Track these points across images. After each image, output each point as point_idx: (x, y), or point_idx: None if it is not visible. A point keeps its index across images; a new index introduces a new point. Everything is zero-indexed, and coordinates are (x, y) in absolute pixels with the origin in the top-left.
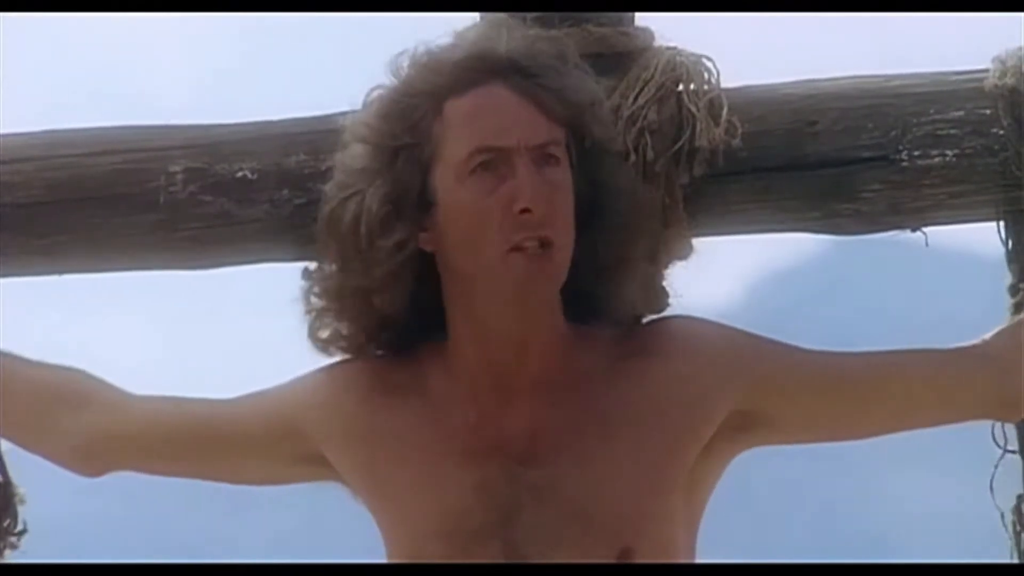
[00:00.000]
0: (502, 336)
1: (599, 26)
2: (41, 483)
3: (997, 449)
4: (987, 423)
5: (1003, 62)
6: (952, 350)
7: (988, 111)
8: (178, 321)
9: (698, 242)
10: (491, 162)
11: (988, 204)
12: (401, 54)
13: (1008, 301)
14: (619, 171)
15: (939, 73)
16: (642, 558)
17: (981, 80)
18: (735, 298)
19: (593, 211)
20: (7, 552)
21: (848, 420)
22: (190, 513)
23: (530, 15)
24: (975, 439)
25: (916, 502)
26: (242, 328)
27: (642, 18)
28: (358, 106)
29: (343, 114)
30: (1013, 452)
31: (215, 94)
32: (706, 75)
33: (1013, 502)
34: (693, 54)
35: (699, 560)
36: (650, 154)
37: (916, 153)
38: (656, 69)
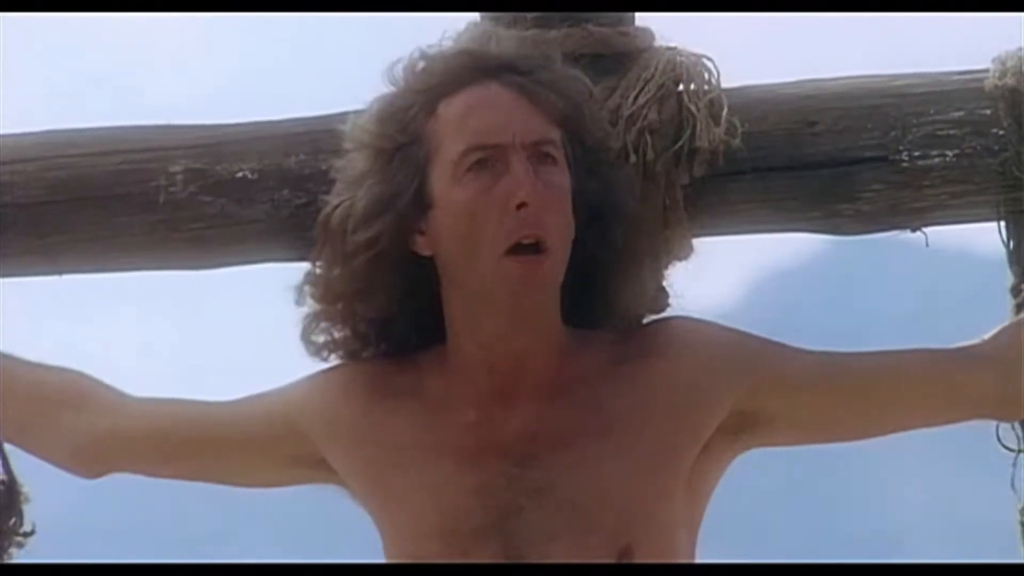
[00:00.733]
0: (500, 340)
1: (599, 26)
2: (46, 482)
3: (1001, 448)
4: (991, 422)
5: (1003, 62)
6: (953, 350)
7: (988, 111)
8: (178, 321)
9: (698, 242)
10: (486, 160)
11: (988, 204)
12: (396, 62)
13: (1009, 301)
14: (618, 170)
15: (939, 73)
16: (642, 557)
17: (981, 80)
18: (735, 298)
19: (593, 211)
20: (13, 551)
21: (849, 420)
22: (192, 513)
23: (530, 15)
24: (978, 439)
25: (918, 502)
26: (242, 328)
27: (642, 18)
28: (359, 106)
29: (343, 114)
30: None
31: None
32: (706, 75)
33: (1021, 503)
34: (693, 54)
35: (699, 560)
36: (650, 154)
37: (916, 153)
38: (656, 69)
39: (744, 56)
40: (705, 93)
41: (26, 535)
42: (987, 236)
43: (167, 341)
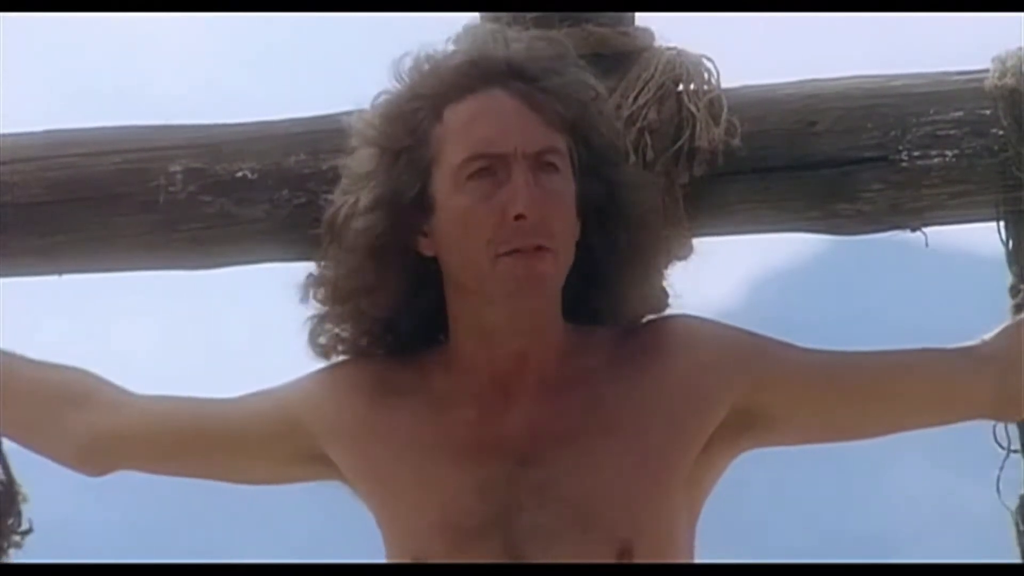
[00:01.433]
0: (501, 338)
1: (599, 26)
2: (44, 483)
3: (999, 449)
4: (989, 422)
5: (1003, 62)
6: (953, 350)
7: (988, 111)
8: (178, 321)
9: (698, 242)
10: (488, 168)
11: (988, 204)
12: (404, 57)
13: (1008, 301)
14: (625, 172)
15: (939, 73)
16: (642, 557)
17: (981, 80)
18: (735, 298)
19: (598, 212)
20: (11, 551)
21: (849, 420)
22: (192, 513)
23: (530, 15)
24: (977, 439)
25: (917, 502)
26: (242, 328)
27: (642, 18)
28: (359, 106)
29: (343, 114)
30: (1016, 452)
31: (215, 94)
32: (706, 75)
33: (1017, 502)
34: (693, 54)
35: (699, 560)
36: (650, 154)
37: (916, 153)
38: (656, 69)
39: (744, 56)
40: (705, 93)
41: (24, 534)
42: (987, 236)
43: (167, 340)
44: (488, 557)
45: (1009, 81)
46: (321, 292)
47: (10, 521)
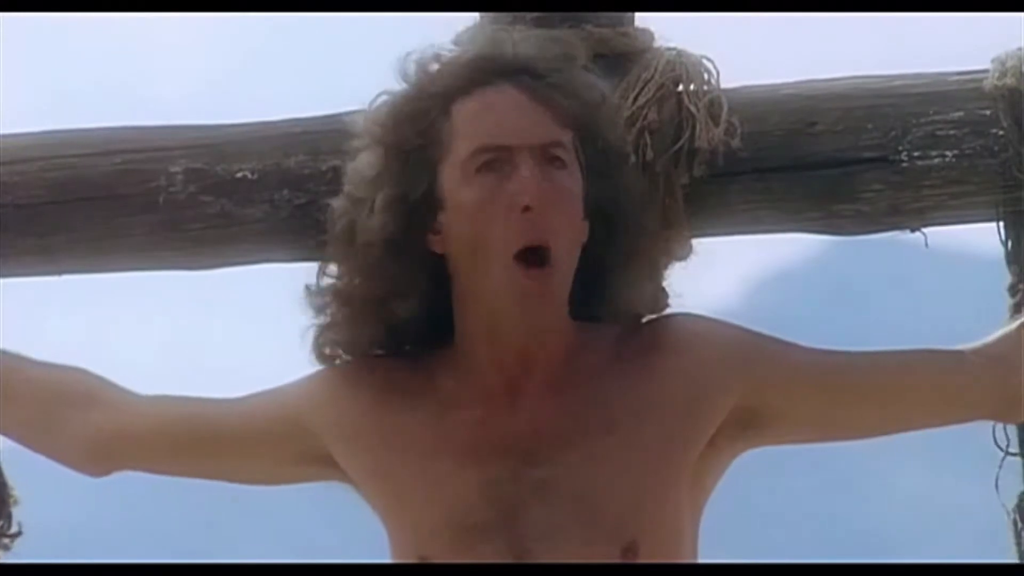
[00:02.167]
0: (508, 339)
1: (599, 27)
2: (37, 485)
3: (998, 449)
4: (989, 423)
5: (1003, 62)
6: (955, 351)
7: (988, 112)
8: (178, 321)
9: (698, 242)
10: (495, 161)
11: (988, 205)
12: (408, 56)
13: (1008, 301)
14: (630, 173)
15: (939, 73)
16: (646, 555)
17: (981, 80)
18: (735, 298)
19: (603, 214)
20: (1, 554)
21: (850, 419)
22: (192, 513)
23: (530, 15)
24: (977, 439)
25: (917, 502)
26: (242, 328)
27: (642, 18)
28: (359, 106)
29: (343, 114)
30: (1015, 455)
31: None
32: (706, 75)
33: (1015, 501)
34: (693, 54)
35: (701, 559)
36: (650, 154)
37: (916, 154)
38: (656, 70)
39: (744, 56)
40: (705, 93)
41: (14, 537)
42: (987, 236)
43: (167, 341)
44: (493, 556)
45: (1009, 81)
46: (331, 301)
47: (0, 523)
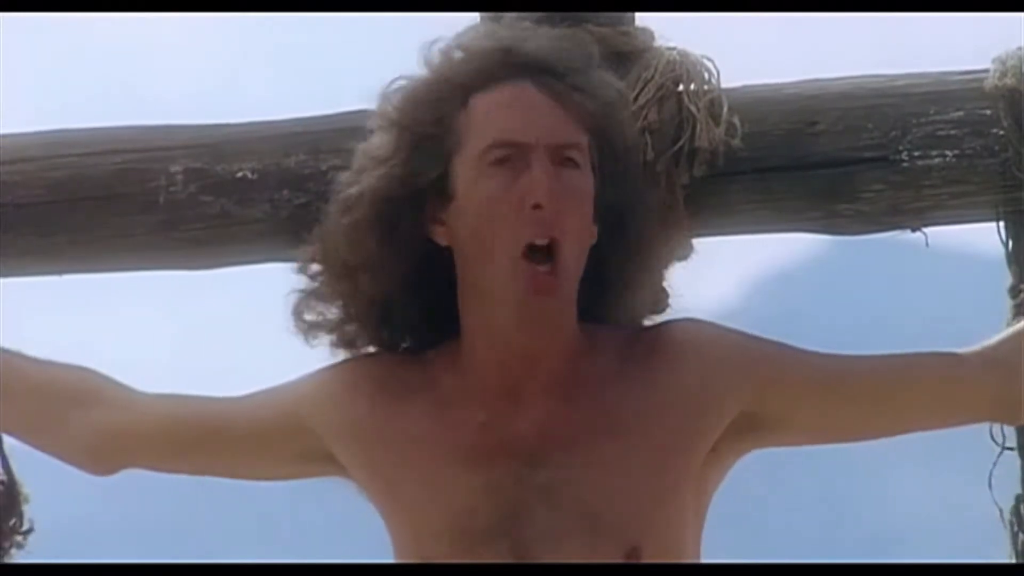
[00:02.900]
0: (512, 338)
1: (599, 26)
2: (46, 483)
3: (995, 446)
4: (987, 424)
5: (1003, 62)
6: (957, 353)
7: (988, 111)
8: (178, 321)
9: (698, 242)
10: (508, 158)
11: (988, 204)
12: (434, 43)
13: (1008, 302)
14: (641, 175)
15: (939, 73)
16: (649, 556)
17: (981, 80)
18: (735, 298)
19: (615, 217)
20: (14, 552)
21: (853, 422)
22: (192, 513)
23: (531, 15)
24: (976, 439)
25: (917, 502)
26: (242, 328)
27: (642, 18)
28: (359, 106)
29: (343, 114)
30: (1011, 449)
31: (215, 94)
32: (706, 75)
33: (1012, 502)
34: (693, 54)
35: (704, 560)
36: (650, 154)
37: (916, 153)
38: (656, 69)
39: (744, 56)
40: (705, 93)
41: (26, 534)
42: (987, 236)
43: (167, 341)
44: (496, 559)
45: (1009, 81)
46: (318, 263)
47: (12, 521)
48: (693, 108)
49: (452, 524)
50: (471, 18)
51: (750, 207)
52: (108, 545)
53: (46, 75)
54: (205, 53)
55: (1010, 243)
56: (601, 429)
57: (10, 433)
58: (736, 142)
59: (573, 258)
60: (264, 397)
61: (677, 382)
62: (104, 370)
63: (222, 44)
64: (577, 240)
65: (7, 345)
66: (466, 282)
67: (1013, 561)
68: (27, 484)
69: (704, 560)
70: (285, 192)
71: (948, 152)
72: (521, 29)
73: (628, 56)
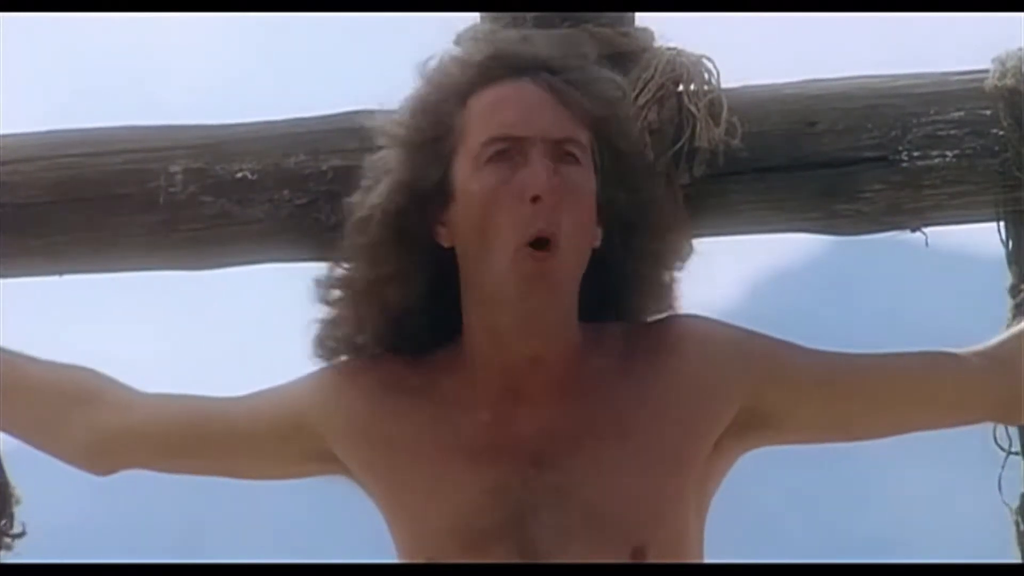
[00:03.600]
0: (514, 339)
1: (599, 27)
2: (41, 484)
3: (999, 450)
4: (990, 424)
5: (1003, 62)
6: (959, 353)
7: (988, 112)
8: (178, 321)
9: (698, 242)
10: (507, 152)
11: (988, 204)
12: (430, 59)
13: (1008, 302)
14: (647, 177)
15: (939, 73)
16: (655, 555)
17: (981, 80)
18: (736, 298)
19: (620, 218)
20: (2, 554)
21: (855, 420)
22: (192, 513)
23: (530, 15)
24: (979, 439)
25: (919, 502)
26: (242, 328)
27: (642, 18)
28: (359, 106)
29: (344, 114)
30: (1016, 454)
31: (215, 94)
32: (706, 75)
33: (1017, 502)
34: (693, 54)
35: (706, 559)
36: (650, 154)
37: (916, 153)
38: (656, 69)
39: (744, 56)
40: (705, 93)
41: (16, 537)
42: (987, 236)
43: (167, 341)
44: (502, 559)
45: (1009, 81)
46: (337, 290)
47: (2, 523)
48: (693, 108)
49: (458, 524)
50: (471, 18)
51: (750, 207)
52: (105, 546)
53: (46, 75)
54: (205, 53)
55: (1010, 243)
56: (605, 428)
57: (10, 432)
58: (736, 142)
59: (572, 252)
60: (265, 397)
61: (680, 379)
62: (104, 370)
63: (222, 44)
64: (577, 236)
65: (7, 345)
66: (468, 281)
67: (1020, 561)
68: (20, 486)
69: (705, 559)
70: (285, 192)
71: (948, 152)
72: (519, 31)
73: (628, 56)
